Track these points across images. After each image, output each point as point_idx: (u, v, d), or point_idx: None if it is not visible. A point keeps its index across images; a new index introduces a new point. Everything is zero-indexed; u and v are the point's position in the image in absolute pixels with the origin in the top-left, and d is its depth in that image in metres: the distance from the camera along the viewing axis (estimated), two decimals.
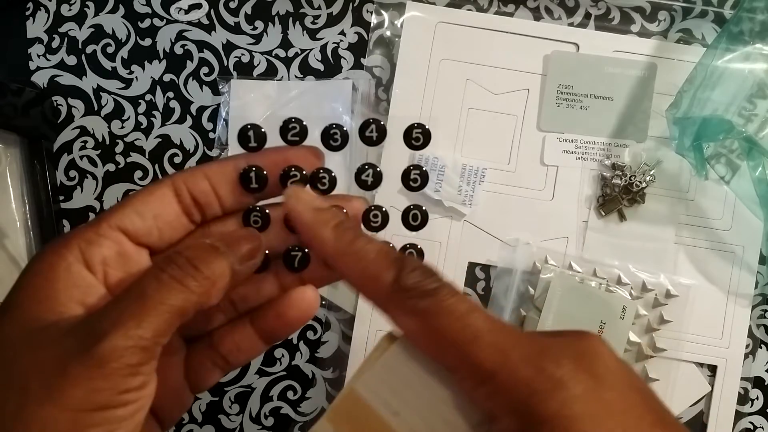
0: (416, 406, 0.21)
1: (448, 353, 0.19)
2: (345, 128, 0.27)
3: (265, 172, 0.26)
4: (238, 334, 0.26)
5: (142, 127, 0.49)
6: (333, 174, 0.27)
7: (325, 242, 0.22)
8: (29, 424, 0.19)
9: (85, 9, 0.49)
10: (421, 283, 0.20)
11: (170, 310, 0.20)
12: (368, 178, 0.28)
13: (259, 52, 0.49)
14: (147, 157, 0.49)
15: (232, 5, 0.49)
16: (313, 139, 0.49)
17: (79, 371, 0.19)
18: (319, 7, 0.49)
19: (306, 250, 0.26)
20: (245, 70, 0.49)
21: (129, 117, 0.49)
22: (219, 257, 0.22)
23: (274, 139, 0.48)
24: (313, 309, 0.26)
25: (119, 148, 0.49)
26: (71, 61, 0.49)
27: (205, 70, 0.49)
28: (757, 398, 0.47)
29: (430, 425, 0.21)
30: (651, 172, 0.46)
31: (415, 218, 0.29)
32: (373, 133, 0.27)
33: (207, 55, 0.49)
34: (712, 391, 0.46)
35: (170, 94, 0.49)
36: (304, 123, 0.27)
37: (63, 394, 0.19)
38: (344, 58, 0.49)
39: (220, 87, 0.48)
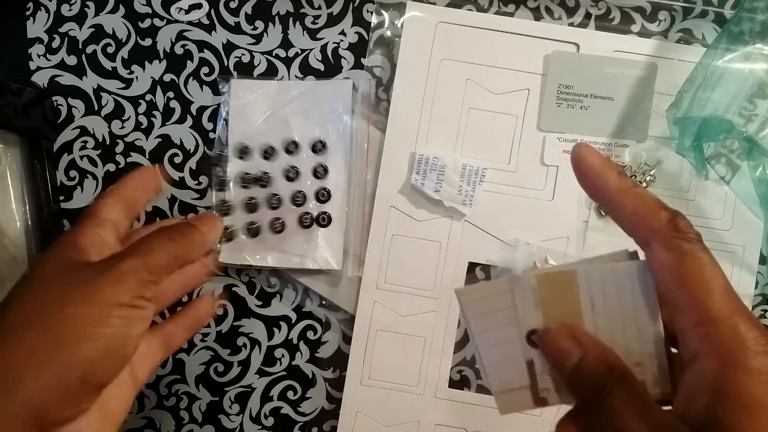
0: (615, 315, 0.25)
1: (685, 290, 0.23)
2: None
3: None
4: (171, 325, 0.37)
5: (142, 127, 0.49)
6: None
7: (610, 183, 0.25)
8: (72, 317, 0.26)
9: (86, 9, 0.49)
10: (690, 230, 0.23)
11: (168, 254, 0.30)
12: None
13: (260, 52, 0.49)
14: (147, 157, 0.49)
15: (233, 5, 0.49)
16: (313, 138, 0.49)
17: (106, 280, 0.27)
18: (320, 7, 0.49)
19: None
20: (245, 70, 0.49)
21: (129, 117, 0.49)
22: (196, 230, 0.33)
23: (274, 139, 0.48)
24: (208, 316, 0.39)
25: (119, 148, 0.49)
26: (71, 61, 0.49)
27: (205, 70, 0.49)
28: None
29: (613, 333, 0.25)
30: (651, 172, 0.46)
31: None
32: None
33: (207, 55, 0.49)
34: None
35: (170, 94, 0.49)
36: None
37: (95, 294, 0.27)
38: (344, 58, 0.49)
39: (220, 87, 0.48)
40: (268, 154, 0.47)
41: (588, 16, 0.48)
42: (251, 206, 0.46)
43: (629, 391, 0.23)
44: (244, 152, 0.47)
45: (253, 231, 0.46)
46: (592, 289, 0.25)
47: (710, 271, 0.23)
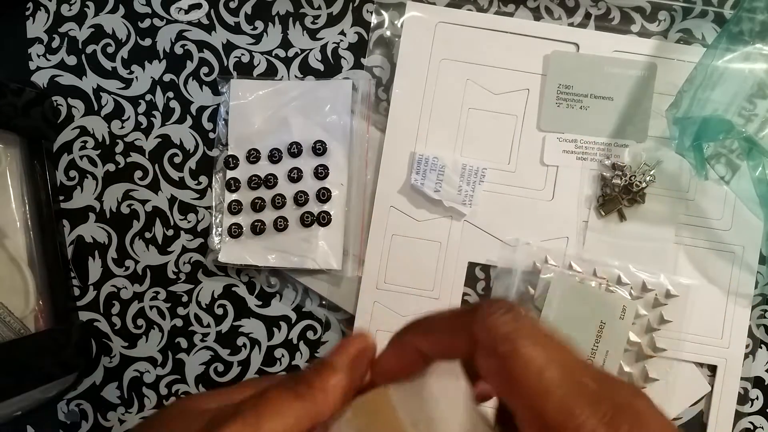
0: (438, 426, 0.22)
1: (517, 398, 0.20)
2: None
3: None
4: None
5: (142, 127, 0.49)
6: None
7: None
8: None
9: (85, 9, 0.49)
10: (501, 325, 0.21)
11: (289, 413, 0.22)
12: None
13: (259, 52, 0.49)
14: (147, 157, 0.49)
15: (232, 5, 0.49)
16: (313, 138, 0.49)
17: None
18: (319, 7, 0.49)
19: None
20: (245, 70, 0.49)
21: (129, 117, 0.49)
22: (330, 370, 0.24)
23: (274, 139, 0.48)
24: None
25: (119, 148, 0.49)
26: (71, 61, 0.49)
27: (205, 70, 0.49)
28: (757, 398, 0.47)
29: None
30: (651, 172, 0.46)
31: None
32: None
33: (207, 55, 0.49)
34: (712, 391, 0.46)
35: (170, 94, 0.49)
36: None
37: None
38: (344, 58, 0.49)
39: (220, 87, 0.48)
40: (275, 157, 0.47)
41: (588, 16, 0.48)
42: (258, 206, 0.47)
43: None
44: (253, 156, 0.47)
45: (259, 229, 0.46)
46: (410, 407, 0.22)
47: (539, 372, 0.19)
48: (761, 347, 0.47)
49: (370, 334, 0.25)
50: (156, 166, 0.49)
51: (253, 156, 0.47)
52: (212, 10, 0.49)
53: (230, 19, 0.49)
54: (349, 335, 0.26)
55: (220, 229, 0.47)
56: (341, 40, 0.49)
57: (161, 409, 0.25)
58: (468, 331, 0.21)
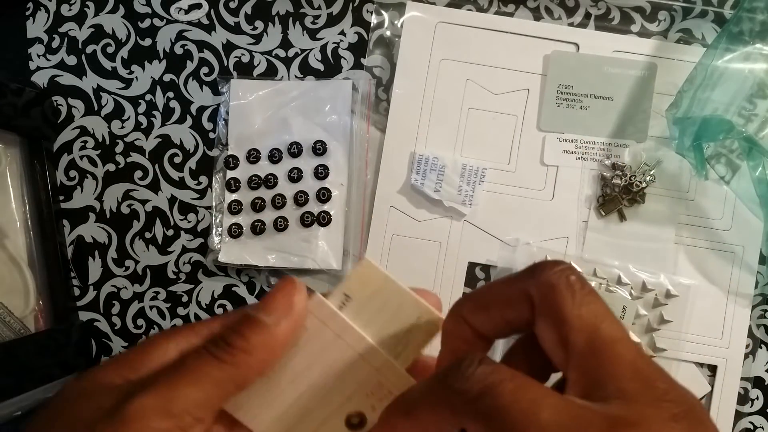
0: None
1: (588, 368, 0.19)
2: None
3: None
4: None
5: (142, 127, 0.49)
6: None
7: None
8: None
9: (85, 9, 0.49)
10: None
11: (207, 380, 0.21)
12: None
13: (259, 52, 0.49)
14: (147, 157, 0.49)
15: (232, 5, 0.49)
16: (313, 138, 0.49)
17: (104, 427, 0.20)
18: (319, 7, 0.49)
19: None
20: (245, 70, 0.49)
21: (129, 117, 0.49)
22: (255, 327, 0.22)
23: (274, 139, 0.48)
24: None
25: (119, 148, 0.49)
26: (71, 61, 0.49)
27: (205, 70, 0.49)
28: (757, 398, 0.47)
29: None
30: (651, 172, 0.46)
31: None
32: None
33: (207, 55, 0.49)
34: (712, 391, 0.46)
35: (170, 94, 0.49)
36: None
37: None
38: (344, 58, 0.49)
39: (220, 87, 0.48)
40: (275, 157, 0.47)
41: (588, 16, 0.48)
42: (258, 206, 0.47)
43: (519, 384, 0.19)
44: (253, 156, 0.47)
45: (259, 229, 0.46)
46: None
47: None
48: (761, 347, 0.47)
49: (294, 278, 0.23)
50: (156, 166, 0.49)
51: (253, 156, 0.47)
52: (212, 10, 0.49)
53: (230, 19, 0.49)
54: (273, 285, 0.24)
55: (220, 229, 0.47)
56: (341, 40, 0.49)
57: (64, 386, 0.23)
58: (526, 295, 0.20)
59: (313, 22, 0.49)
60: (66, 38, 0.49)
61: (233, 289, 0.48)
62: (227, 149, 0.48)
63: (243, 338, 0.22)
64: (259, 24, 0.49)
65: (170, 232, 0.48)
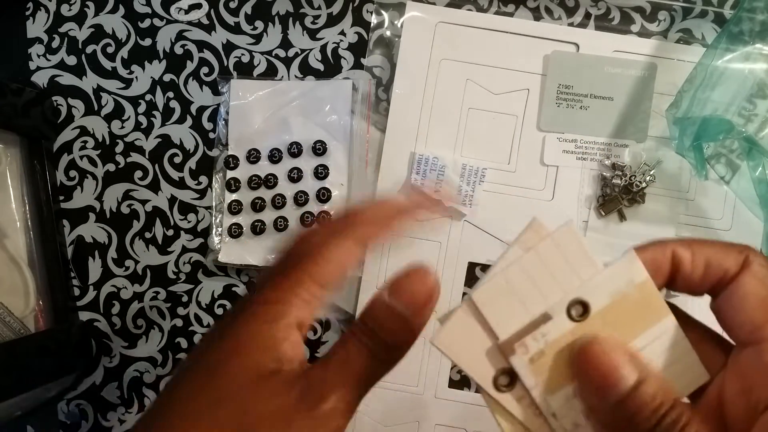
0: None
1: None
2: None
3: None
4: None
5: (142, 127, 0.49)
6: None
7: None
8: None
9: (85, 9, 0.49)
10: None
11: (370, 377, 0.23)
12: None
13: (259, 52, 0.49)
14: (147, 157, 0.49)
15: (232, 5, 0.49)
16: (313, 138, 0.49)
17: (304, 423, 0.21)
18: (319, 7, 0.49)
19: None
20: (245, 70, 0.49)
21: (129, 117, 0.49)
22: (395, 320, 0.23)
23: (274, 140, 0.48)
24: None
25: (119, 148, 0.49)
26: (71, 61, 0.49)
27: (205, 70, 0.49)
28: None
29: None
30: (651, 172, 0.46)
31: None
32: None
33: (207, 55, 0.49)
34: None
35: (170, 94, 0.49)
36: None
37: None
38: (344, 58, 0.49)
39: (220, 87, 0.48)
40: (275, 157, 0.47)
41: (588, 16, 0.48)
42: (258, 206, 0.47)
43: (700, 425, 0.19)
44: (253, 156, 0.47)
45: (259, 229, 0.46)
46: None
47: None
48: None
49: (429, 271, 0.24)
50: (156, 166, 0.49)
51: (253, 156, 0.47)
52: (212, 10, 0.49)
53: (230, 19, 0.49)
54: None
55: (220, 229, 0.47)
56: (341, 40, 0.49)
57: (223, 368, 0.22)
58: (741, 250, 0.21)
59: (313, 22, 0.49)
60: (66, 38, 0.49)
61: (233, 289, 0.48)
62: (227, 149, 0.48)
63: (395, 334, 0.23)
64: (259, 24, 0.49)
65: (170, 232, 0.48)
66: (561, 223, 0.23)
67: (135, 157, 0.49)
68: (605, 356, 0.20)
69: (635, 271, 0.22)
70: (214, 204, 0.48)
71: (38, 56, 0.49)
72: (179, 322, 0.48)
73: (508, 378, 0.22)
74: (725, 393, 0.22)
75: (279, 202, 0.47)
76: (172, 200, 0.49)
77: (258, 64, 0.49)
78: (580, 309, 0.22)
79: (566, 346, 0.22)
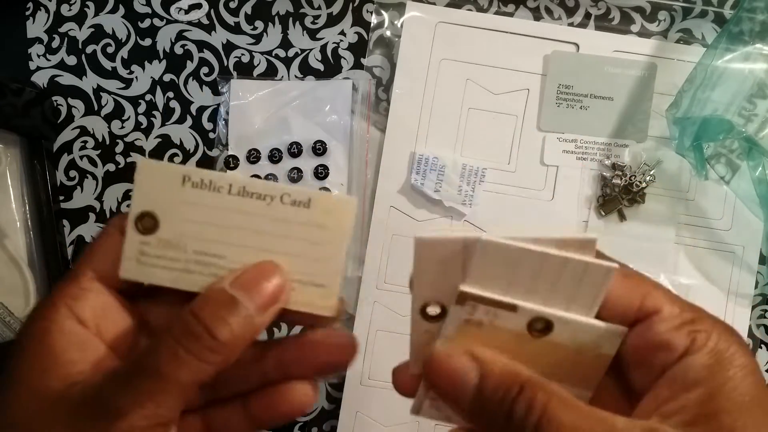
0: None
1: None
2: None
3: None
4: (228, 411, 0.24)
5: (142, 127, 0.49)
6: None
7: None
8: None
9: (85, 9, 0.49)
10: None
11: (188, 384, 0.20)
12: None
13: (259, 52, 0.49)
14: (147, 157, 0.49)
15: (232, 5, 0.49)
16: (313, 138, 0.49)
17: None
18: (319, 7, 0.49)
19: None
20: (245, 70, 0.49)
21: (129, 117, 0.49)
22: (236, 313, 0.21)
23: (275, 140, 0.48)
24: (307, 407, 0.24)
25: (119, 148, 0.49)
26: (71, 61, 0.49)
27: (205, 70, 0.49)
28: None
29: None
30: (651, 172, 0.46)
31: None
32: None
33: (207, 55, 0.49)
34: None
35: (170, 94, 0.49)
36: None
37: None
38: (344, 58, 0.49)
39: (220, 87, 0.48)
40: (275, 157, 0.47)
41: (588, 16, 0.48)
42: None
43: (564, 405, 0.19)
44: (253, 156, 0.47)
45: None
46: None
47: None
48: (761, 347, 0.47)
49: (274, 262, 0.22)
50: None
51: (253, 156, 0.47)
52: (212, 10, 0.49)
53: (230, 19, 0.49)
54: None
55: None
56: (341, 40, 0.49)
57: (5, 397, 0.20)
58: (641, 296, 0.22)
59: (313, 22, 0.49)
60: (66, 38, 0.49)
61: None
62: (227, 149, 0.48)
63: (225, 329, 0.20)
64: (259, 24, 0.49)
65: None
66: (572, 227, 0.23)
67: (135, 157, 0.49)
68: (446, 363, 0.21)
69: (609, 343, 0.22)
70: None
71: (38, 56, 0.49)
72: None
73: (437, 313, 0.22)
74: (633, 377, 0.22)
75: None
76: None
77: (258, 64, 0.49)
78: (540, 326, 0.22)
79: (497, 339, 0.21)
